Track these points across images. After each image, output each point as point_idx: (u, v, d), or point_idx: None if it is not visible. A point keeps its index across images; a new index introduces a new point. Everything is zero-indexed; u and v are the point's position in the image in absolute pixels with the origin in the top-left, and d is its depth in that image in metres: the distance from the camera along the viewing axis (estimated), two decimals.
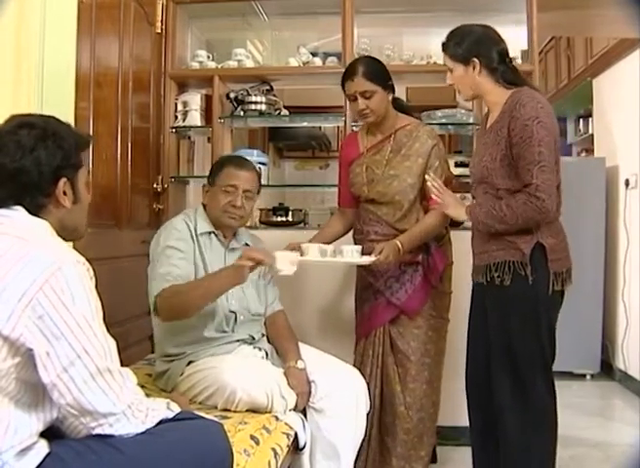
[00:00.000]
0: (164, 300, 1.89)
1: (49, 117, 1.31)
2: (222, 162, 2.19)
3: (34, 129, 1.23)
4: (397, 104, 2.40)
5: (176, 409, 1.35)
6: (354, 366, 2.24)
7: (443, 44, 2.02)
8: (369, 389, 2.16)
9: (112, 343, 1.20)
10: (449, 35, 2.01)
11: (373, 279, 2.32)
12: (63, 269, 1.12)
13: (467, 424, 2.15)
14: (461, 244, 2.29)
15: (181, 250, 2.01)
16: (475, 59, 1.94)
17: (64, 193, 1.26)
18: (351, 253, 2.14)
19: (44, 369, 1.11)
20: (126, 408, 1.17)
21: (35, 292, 1.09)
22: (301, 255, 2.15)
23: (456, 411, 2.34)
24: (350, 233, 2.47)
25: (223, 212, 2.09)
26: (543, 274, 1.87)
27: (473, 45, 1.95)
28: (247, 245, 2.22)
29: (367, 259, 2.13)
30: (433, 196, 2.09)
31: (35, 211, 1.23)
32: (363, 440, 2.16)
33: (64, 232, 1.29)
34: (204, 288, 1.91)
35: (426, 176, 2.12)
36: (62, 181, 1.25)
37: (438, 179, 2.08)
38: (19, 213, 1.22)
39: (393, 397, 2.29)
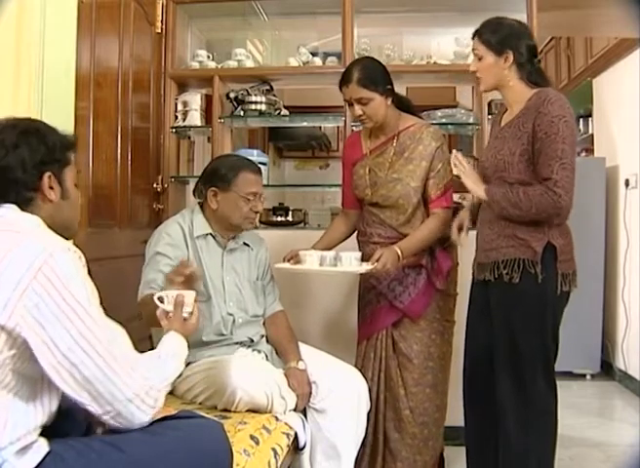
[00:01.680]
0: (141, 307, 1.91)
1: (34, 119, 1.36)
2: (237, 167, 2.11)
3: (17, 128, 1.26)
4: (401, 103, 2.33)
5: (178, 342, 1.41)
6: (356, 366, 2.23)
7: (477, 30, 1.99)
8: (370, 393, 2.15)
9: (116, 329, 1.21)
10: (484, 22, 1.99)
11: (376, 282, 2.29)
12: (55, 255, 1.13)
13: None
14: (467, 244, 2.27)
15: (170, 256, 1.99)
16: (510, 51, 1.92)
17: (51, 188, 1.28)
18: (350, 261, 2.10)
19: (43, 357, 1.12)
20: (133, 396, 1.17)
21: (29, 280, 1.10)
22: (300, 264, 2.15)
23: (455, 411, 2.33)
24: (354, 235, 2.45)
25: (245, 218, 2.09)
26: (552, 274, 1.87)
27: (510, 37, 1.94)
28: (246, 244, 2.21)
29: (364, 268, 2.09)
30: (454, 169, 2.04)
31: (24, 205, 1.25)
32: (364, 444, 2.16)
33: (56, 228, 1.30)
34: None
35: (453, 150, 2.08)
36: (47, 175, 1.27)
37: (460, 157, 2.03)
38: (10, 209, 1.24)
39: (397, 401, 2.25)
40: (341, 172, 2.47)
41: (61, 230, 1.30)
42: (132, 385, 1.17)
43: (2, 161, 1.23)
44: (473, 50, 2.01)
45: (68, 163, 1.33)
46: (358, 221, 2.40)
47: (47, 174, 1.27)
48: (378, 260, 2.08)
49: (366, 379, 2.16)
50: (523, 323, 1.89)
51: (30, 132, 1.27)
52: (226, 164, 2.14)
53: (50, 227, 1.28)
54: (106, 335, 1.16)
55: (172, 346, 1.40)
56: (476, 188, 1.99)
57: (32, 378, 1.16)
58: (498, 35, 1.94)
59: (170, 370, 1.32)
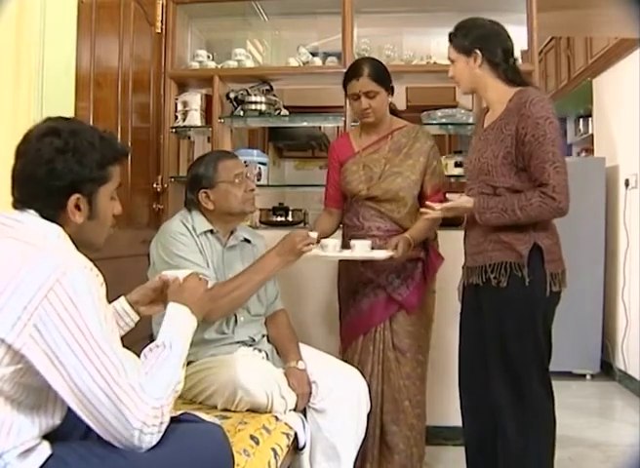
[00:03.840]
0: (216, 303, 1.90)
1: (82, 125, 1.30)
2: (211, 161, 2.12)
3: (58, 138, 1.21)
4: (389, 107, 2.42)
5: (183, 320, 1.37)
6: (350, 363, 2.23)
7: (450, 34, 2.01)
8: (370, 387, 2.16)
9: (125, 356, 1.16)
10: (457, 25, 2.01)
11: (374, 275, 2.32)
12: (68, 274, 1.09)
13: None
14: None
15: (193, 254, 2.00)
16: (477, 51, 1.93)
17: (78, 208, 1.24)
18: (363, 248, 2.16)
19: (52, 377, 1.10)
20: (141, 425, 1.13)
21: (40, 299, 1.07)
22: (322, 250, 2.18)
23: (454, 412, 2.33)
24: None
25: (244, 201, 2.10)
26: (540, 275, 1.87)
27: (478, 37, 1.95)
28: (246, 240, 2.20)
29: (385, 254, 2.14)
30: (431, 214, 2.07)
31: (47, 218, 1.21)
32: (365, 441, 2.16)
33: (78, 244, 1.26)
34: (258, 276, 2.01)
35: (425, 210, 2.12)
36: (75, 197, 1.22)
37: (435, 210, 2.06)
38: (31, 217, 1.21)
39: (397, 392, 2.29)
40: (327, 173, 2.52)
41: (84, 247, 1.26)
42: (139, 415, 1.13)
43: (33, 170, 1.20)
44: (448, 55, 2.03)
45: (106, 181, 1.28)
46: (347, 218, 2.41)
47: (75, 195, 1.22)
48: (395, 249, 2.12)
49: (364, 374, 2.18)
50: (514, 326, 1.89)
51: (68, 148, 1.21)
52: (201, 165, 2.14)
53: (74, 241, 1.25)
54: (115, 364, 1.11)
55: (180, 334, 1.32)
56: (467, 212, 1.98)
57: (38, 389, 1.14)
58: (464, 36, 1.97)
59: (175, 370, 1.25)
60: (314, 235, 2.04)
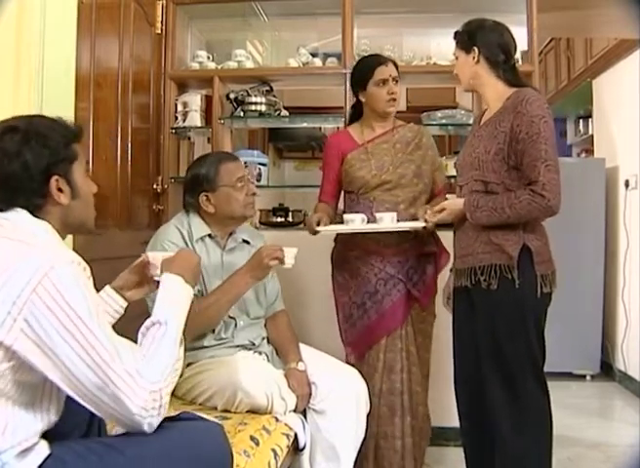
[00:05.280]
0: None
1: (33, 117, 1.32)
2: (213, 163, 2.10)
3: (17, 133, 1.22)
4: None
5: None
6: (370, 365, 2.27)
7: (455, 32, 2.06)
8: (402, 385, 2.26)
9: (120, 343, 1.17)
10: (463, 24, 2.05)
11: (394, 270, 2.32)
12: (56, 268, 1.11)
13: None
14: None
15: None
16: (475, 48, 1.96)
17: (60, 190, 1.25)
18: (391, 220, 2.17)
19: (49, 370, 1.10)
20: (139, 411, 1.14)
21: (29, 293, 1.08)
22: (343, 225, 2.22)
23: (456, 412, 2.33)
24: None
25: (245, 205, 2.09)
26: (530, 277, 1.86)
27: (477, 35, 1.98)
28: (245, 241, 2.19)
29: (419, 224, 2.16)
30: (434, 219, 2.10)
31: (35, 211, 1.23)
32: (402, 440, 2.26)
33: (70, 229, 1.28)
34: (231, 293, 1.97)
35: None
36: (54, 179, 1.24)
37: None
38: (19, 215, 1.22)
39: (418, 385, 2.34)
40: (323, 168, 2.53)
41: (76, 229, 1.29)
42: (137, 401, 1.13)
43: (7, 169, 1.21)
44: (453, 53, 2.08)
45: (75, 158, 1.29)
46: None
47: (54, 177, 1.24)
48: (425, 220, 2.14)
49: (393, 372, 2.26)
50: (506, 328, 1.88)
51: (31, 136, 1.23)
52: (202, 166, 2.11)
53: (65, 228, 1.27)
54: (109, 351, 1.12)
55: (176, 305, 1.33)
56: (460, 216, 1.98)
57: (32, 385, 1.15)
58: (465, 33, 2.01)
59: (172, 349, 1.25)
60: (290, 250, 1.95)
